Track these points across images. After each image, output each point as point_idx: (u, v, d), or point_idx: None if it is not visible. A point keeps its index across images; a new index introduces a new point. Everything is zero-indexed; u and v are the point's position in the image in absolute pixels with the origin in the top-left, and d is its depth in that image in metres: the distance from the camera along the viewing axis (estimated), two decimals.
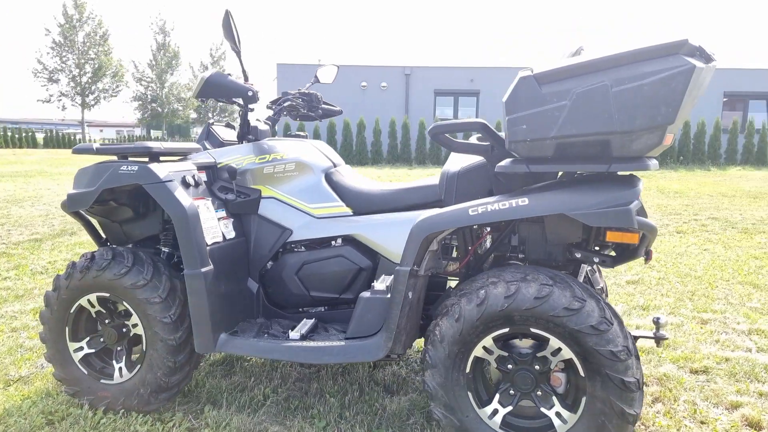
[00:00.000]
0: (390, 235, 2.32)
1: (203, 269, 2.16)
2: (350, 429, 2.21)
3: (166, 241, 2.53)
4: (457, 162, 2.27)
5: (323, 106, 2.92)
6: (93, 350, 2.40)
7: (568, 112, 1.68)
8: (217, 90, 2.46)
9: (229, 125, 2.88)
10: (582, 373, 1.77)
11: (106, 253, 2.28)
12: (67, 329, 2.37)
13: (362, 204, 2.41)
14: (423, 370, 1.96)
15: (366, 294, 2.11)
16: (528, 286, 1.79)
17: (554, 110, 1.69)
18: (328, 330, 2.30)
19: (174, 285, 2.26)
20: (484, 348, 1.89)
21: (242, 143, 2.65)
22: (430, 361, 1.91)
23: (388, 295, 2.07)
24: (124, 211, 2.51)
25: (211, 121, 2.78)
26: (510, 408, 1.90)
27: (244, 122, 2.65)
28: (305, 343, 2.14)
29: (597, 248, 2.09)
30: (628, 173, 1.90)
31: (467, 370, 1.90)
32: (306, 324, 2.30)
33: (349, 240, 2.41)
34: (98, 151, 2.30)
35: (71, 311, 2.34)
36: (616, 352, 1.71)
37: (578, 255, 2.05)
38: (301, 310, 2.50)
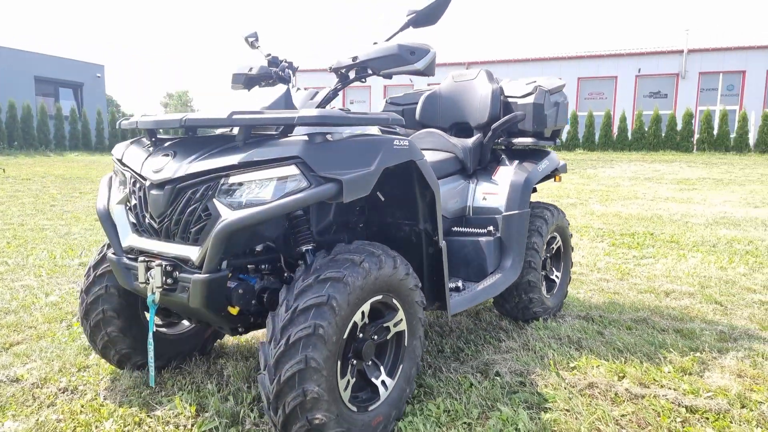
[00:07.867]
0: (443, 199, 3.04)
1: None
2: (469, 353, 2.90)
3: (305, 239, 2.13)
4: (463, 138, 3.24)
5: None
6: (355, 378, 1.89)
7: (556, 113, 3.28)
8: None
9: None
10: None
11: (364, 247, 1.90)
12: (339, 363, 1.75)
13: None
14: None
15: (488, 238, 2.89)
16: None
17: (554, 110, 3.25)
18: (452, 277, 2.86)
19: None
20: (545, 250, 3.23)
21: None
22: (534, 265, 3.05)
23: (498, 235, 2.97)
24: None
25: (292, 85, 2.33)
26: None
27: (336, 92, 2.46)
28: (481, 285, 2.70)
29: None
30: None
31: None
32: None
33: None
34: (347, 121, 1.81)
35: (345, 334, 1.75)
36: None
37: None
38: None
